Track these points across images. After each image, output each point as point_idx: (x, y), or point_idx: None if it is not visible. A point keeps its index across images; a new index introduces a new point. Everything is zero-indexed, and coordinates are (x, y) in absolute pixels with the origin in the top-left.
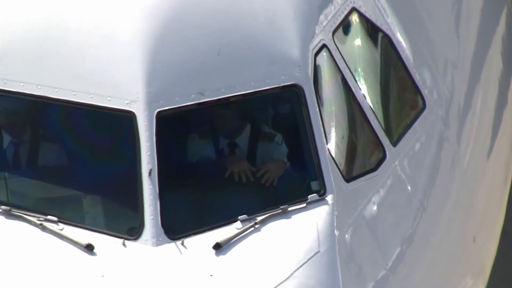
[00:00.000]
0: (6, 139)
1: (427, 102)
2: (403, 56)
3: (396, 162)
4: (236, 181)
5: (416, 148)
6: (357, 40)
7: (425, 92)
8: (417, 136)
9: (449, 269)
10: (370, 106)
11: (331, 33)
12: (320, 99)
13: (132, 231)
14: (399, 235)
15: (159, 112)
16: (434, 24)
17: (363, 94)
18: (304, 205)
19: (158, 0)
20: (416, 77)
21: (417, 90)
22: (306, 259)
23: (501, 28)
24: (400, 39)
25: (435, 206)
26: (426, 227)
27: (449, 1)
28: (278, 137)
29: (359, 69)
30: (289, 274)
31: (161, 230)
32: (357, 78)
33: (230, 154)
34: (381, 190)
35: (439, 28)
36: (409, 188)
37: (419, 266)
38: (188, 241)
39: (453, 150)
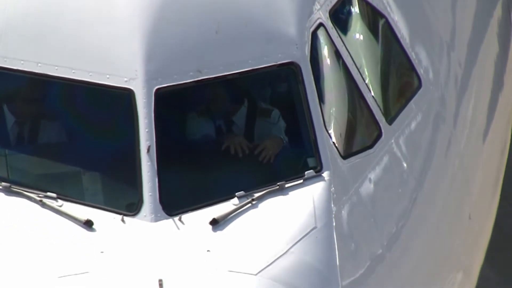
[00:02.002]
0: (7, 116)
1: (423, 81)
2: (399, 36)
3: (392, 140)
4: (232, 155)
5: (412, 126)
6: (353, 20)
7: (420, 71)
8: (412, 114)
9: (445, 246)
10: (366, 85)
11: (327, 12)
12: (317, 77)
13: (131, 207)
14: (395, 213)
15: (157, 90)
16: (431, 5)
17: (360, 73)
18: (301, 181)
19: None
20: (412, 56)
21: (412, 69)
22: (302, 235)
23: (497, 11)
24: (396, 19)
25: (431, 184)
26: (422, 205)
27: None
28: (275, 113)
29: (356, 48)
30: (286, 250)
31: (159, 206)
32: (353, 57)
33: (228, 131)
34: (377, 167)
35: (436, 9)
36: (405, 166)
37: (415, 244)
38: (186, 217)
39: (449, 130)
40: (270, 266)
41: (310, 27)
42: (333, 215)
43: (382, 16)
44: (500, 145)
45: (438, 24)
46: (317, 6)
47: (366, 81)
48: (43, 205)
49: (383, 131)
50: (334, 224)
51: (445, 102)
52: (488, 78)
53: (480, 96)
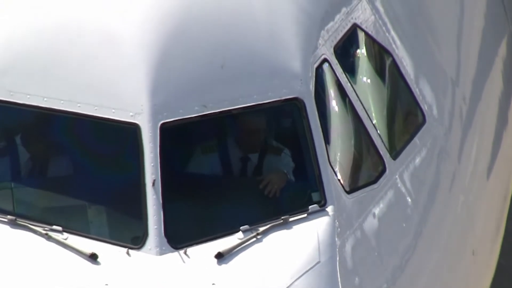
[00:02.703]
0: (12, 149)
1: (427, 117)
2: (403, 72)
3: (396, 175)
4: (237, 189)
5: (416, 162)
6: (358, 55)
7: (425, 107)
8: (417, 150)
9: (449, 282)
10: (371, 120)
11: (332, 48)
12: (321, 112)
13: (136, 240)
14: (399, 248)
15: (163, 124)
16: (436, 41)
17: (364, 108)
18: (305, 215)
19: (163, 13)
20: (416, 92)
21: (417, 105)
22: (306, 269)
23: (502, 49)
24: (401, 55)
25: (435, 219)
26: (426, 240)
27: (451, 19)
28: (286, 151)
29: (360, 84)
30: (290, 283)
31: (165, 240)
32: (358, 93)
33: (233, 165)
34: (381, 202)
35: (441, 46)
36: (409, 201)
37: (419, 279)
38: (191, 250)
39: (453, 166)
40: None
41: (315, 63)
42: (337, 250)
43: (387, 52)
44: (504, 181)
45: (443, 60)
46: (321, 41)
47: (371, 117)
48: (49, 238)
49: (387, 166)
50: (338, 258)
51: (450, 137)
52: (492, 115)
53: (484, 132)
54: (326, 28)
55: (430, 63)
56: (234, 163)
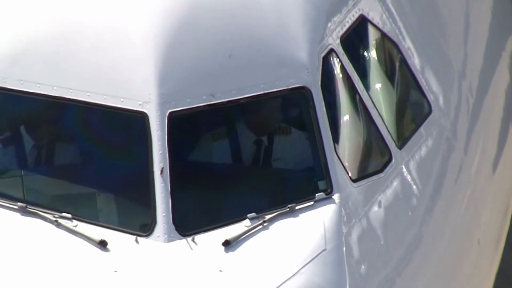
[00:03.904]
0: (22, 138)
1: (432, 107)
2: (409, 62)
3: (402, 165)
4: (243, 177)
5: (422, 151)
6: (364, 46)
7: (430, 97)
8: (422, 139)
9: (455, 272)
10: (377, 109)
11: (339, 39)
12: (327, 101)
13: (144, 227)
14: (406, 237)
15: (171, 113)
16: (443, 34)
17: (370, 98)
18: (312, 203)
19: (171, 3)
20: (422, 83)
21: (423, 95)
22: (312, 257)
23: (509, 44)
24: (407, 46)
25: (441, 209)
26: (432, 230)
27: (459, 13)
28: (292, 139)
29: (366, 74)
30: (296, 271)
31: (173, 227)
32: (364, 82)
33: (240, 153)
34: (387, 191)
35: (448, 39)
36: (415, 190)
37: (424, 269)
38: (199, 237)
39: (460, 157)
40: (281, 287)
41: (321, 53)
42: (343, 237)
43: (393, 42)
44: (510, 172)
45: (449, 52)
46: (328, 32)
47: (377, 106)
48: (58, 225)
49: (393, 155)
50: (344, 246)
51: (456, 129)
52: (499, 108)
53: (491, 124)
54: (332, 18)
55: (437, 55)
56: (241, 152)
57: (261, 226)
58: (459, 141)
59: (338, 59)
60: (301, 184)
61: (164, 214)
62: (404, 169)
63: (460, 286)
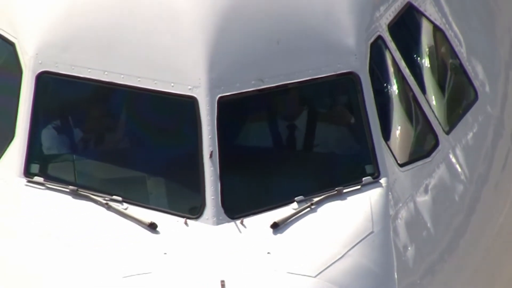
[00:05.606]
0: (73, 123)
1: (479, 94)
2: (456, 50)
3: (449, 150)
4: (292, 161)
5: (469, 137)
6: (411, 33)
7: (477, 84)
8: (469, 126)
9: (501, 263)
10: (424, 95)
11: (386, 26)
12: (375, 87)
13: (194, 210)
14: (452, 223)
15: (220, 98)
16: (489, 22)
17: (417, 84)
18: (359, 187)
19: None
20: (469, 69)
21: (469, 82)
22: (360, 239)
23: None
24: (454, 34)
25: (488, 197)
26: (479, 218)
27: (504, 1)
28: (340, 124)
29: (413, 60)
30: (343, 253)
31: (222, 210)
32: (411, 69)
33: (289, 137)
34: (434, 176)
35: (494, 27)
36: (461, 176)
37: (470, 258)
38: (247, 220)
39: (507, 145)
40: (328, 269)
41: (369, 39)
42: (390, 221)
43: (440, 29)
44: None
45: (495, 42)
46: (375, 19)
47: (424, 92)
48: (109, 208)
49: (440, 140)
50: (391, 229)
51: (503, 117)
52: None
53: None
54: (380, 6)
55: (483, 43)
56: (288, 136)
57: (308, 209)
58: (506, 129)
59: (385, 46)
60: (348, 168)
61: (213, 197)
62: (451, 155)
63: (507, 274)
